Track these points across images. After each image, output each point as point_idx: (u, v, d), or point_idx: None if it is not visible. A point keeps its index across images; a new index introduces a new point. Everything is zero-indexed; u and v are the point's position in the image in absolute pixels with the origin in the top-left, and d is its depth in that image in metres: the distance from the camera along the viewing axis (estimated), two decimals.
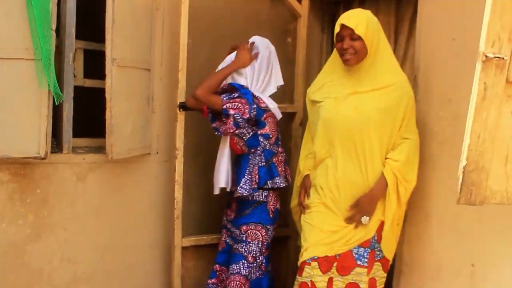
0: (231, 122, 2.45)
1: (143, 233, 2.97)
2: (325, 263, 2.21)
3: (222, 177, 2.61)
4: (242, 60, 2.56)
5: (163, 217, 2.99)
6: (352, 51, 2.15)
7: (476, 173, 1.80)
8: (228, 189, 2.65)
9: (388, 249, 2.30)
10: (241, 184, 2.53)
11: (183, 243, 2.85)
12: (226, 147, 2.61)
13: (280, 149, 2.62)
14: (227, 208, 2.74)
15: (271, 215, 2.58)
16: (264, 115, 2.53)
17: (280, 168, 2.60)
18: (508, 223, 2.12)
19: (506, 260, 2.12)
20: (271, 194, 2.58)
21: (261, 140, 2.54)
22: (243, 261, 2.55)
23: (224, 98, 2.47)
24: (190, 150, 2.86)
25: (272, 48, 2.65)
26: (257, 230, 2.56)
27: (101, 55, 2.58)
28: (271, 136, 2.55)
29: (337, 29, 2.19)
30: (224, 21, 2.96)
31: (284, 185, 2.59)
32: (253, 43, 2.62)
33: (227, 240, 2.70)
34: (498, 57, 1.73)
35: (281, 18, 3.07)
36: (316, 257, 2.23)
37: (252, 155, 2.56)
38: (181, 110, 2.75)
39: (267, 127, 2.54)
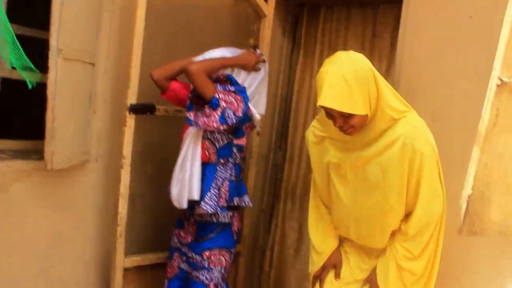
0: (217, 116, 2.09)
1: (77, 252, 2.57)
2: None
3: (195, 187, 2.20)
4: (247, 62, 2.26)
5: (101, 232, 2.61)
6: (351, 129, 1.74)
7: (480, 203, 1.72)
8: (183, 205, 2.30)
9: None
10: (206, 200, 2.19)
11: (125, 264, 2.50)
12: (198, 151, 2.23)
13: (243, 166, 2.36)
14: (179, 229, 2.40)
15: (235, 237, 2.33)
16: (247, 124, 2.25)
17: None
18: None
19: None
20: (235, 214, 2.32)
21: (235, 151, 2.26)
22: None
23: (219, 87, 2.15)
24: (135, 158, 2.49)
25: (267, 75, 2.37)
26: (221, 255, 2.29)
27: (36, 44, 2.16)
28: (244, 149, 2.29)
29: (318, 102, 1.68)
30: (181, 17, 2.65)
31: (251, 204, 2.34)
32: (261, 54, 2.35)
33: (181, 266, 2.39)
34: None
35: (244, 17, 2.82)
36: None
37: (221, 166, 2.24)
38: (131, 113, 2.40)
39: (244, 138, 2.26)
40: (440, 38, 2.23)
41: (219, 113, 2.10)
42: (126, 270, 2.51)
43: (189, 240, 2.35)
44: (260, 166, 3.09)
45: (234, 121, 2.12)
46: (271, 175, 3.23)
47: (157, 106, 2.49)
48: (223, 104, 2.10)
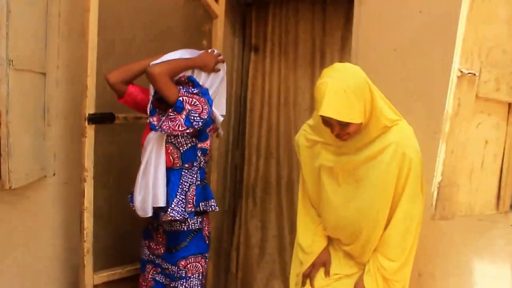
0: (182, 119, 2.05)
1: (41, 273, 2.46)
2: None
3: (161, 194, 2.15)
4: (207, 63, 2.22)
5: (65, 250, 2.51)
6: (347, 136, 1.83)
7: (449, 188, 1.82)
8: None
9: None
10: (172, 206, 2.15)
11: (95, 281, 2.42)
12: (162, 156, 2.17)
13: (207, 169, 2.35)
14: (149, 240, 2.35)
15: (207, 242, 2.32)
16: (210, 127, 2.23)
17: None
18: (452, 234, 2.23)
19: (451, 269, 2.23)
20: (204, 218, 2.30)
21: (199, 155, 2.23)
22: None
23: (182, 90, 2.09)
24: (95, 169, 2.41)
25: (225, 75, 2.35)
26: (197, 262, 2.27)
27: None
28: (208, 152, 2.28)
29: (319, 112, 1.77)
30: (134, 21, 2.59)
31: (217, 208, 2.32)
32: (220, 54, 2.32)
33: (157, 278, 2.34)
34: (471, 73, 1.77)
35: (195, 18, 2.80)
36: None
37: (186, 171, 2.20)
38: (90, 123, 2.32)
39: (208, 141, 2.24)
40: (394, 33, 2.35)
41: (184, 116, 2.05)
42: (95, 286, 2.43)
43: (162, 251, 2.30)
44: (219, 166, 3.09)
45: (200, 124, 2.09)
46: (231, 175, 3.24)
47: (116, 115, 2.43)
48: (188, 107, 2.06)
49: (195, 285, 2.26)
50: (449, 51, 2.16)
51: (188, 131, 2.08)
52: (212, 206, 2.27)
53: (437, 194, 1.80)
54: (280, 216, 3.14)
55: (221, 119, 2.29)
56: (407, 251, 1.89)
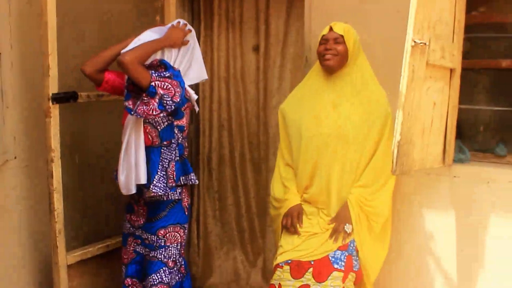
0: (156, 103, 2.13)
1: (11, 259, 2.45)
2: (296, 268, 2.19)
3: (142, 172, 2.25)
4: (175, 40, 2.28)
5: (34, 233, 2.50)
6: (335, 52, 2.21)
7: (406, 146, 2.09)
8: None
9: (367, 262, 2.25)
10: (154, 182, 2.27)
11: (68, 261, 2.46)
12: (141, 136, 2.26)
13: (186, 144, 2.46)
14: (130, 214, 2.45)
15: (186, 213, 2.44)
16: (185, 105, 2.33)
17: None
18: (405, 188, 2.53)
19: None
20: (184, 190, 2.42)
21: (176, 132, 2.33)
22: (163, 268, 2.36)
23: (154, 74, 2.16)
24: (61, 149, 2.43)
25: (196, 41, 2.42)
26: (176, 232, 2.38)
27: None
28: (185, 129, 2.38)
29: (324, 32, 2.25)
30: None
31: (197, 182, 2.45)
32: (190, 30, 2.37)
33: (137, 249, 2.43)
34: (422, 43, 2.02)
35: None
36: (289, 261, 2.22)
37: (165, 148, 2.31)
38: (54, 102, 2.32)
39: (184, 119, 2.34)
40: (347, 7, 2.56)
41: (157, 100, 2.14)
42: (68, 267, 2.47)
43: (142, 222, 2.41)
44: None
45: (173, 107, 2.19)
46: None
47: (79, 93, 2.44)
48: (160, 91, 2.14)
49: (173, 254, 2.38)
50: (395, 21, 2.45)
51: (161, 115, 2.19)
52: (192, 180, 2.40)
53: (397, 151, 2.06)
54: (235, 185, 3.30)
55: (195, 97, 2.39)
56: (380, 181, 2.23)
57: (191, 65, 2.39)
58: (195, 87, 3.32)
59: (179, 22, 2.39)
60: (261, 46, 3.10)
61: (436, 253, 2.50)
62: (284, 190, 2.35)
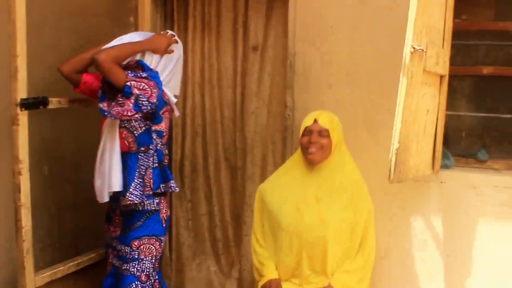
0: (131, 104, 2.02)
1: None
2: None
3: (116, 179, 2.13)
4: (158, 45, 2.20)
5: None
6: (319, 146, 2.18)
7: (404, 153, 2.05)
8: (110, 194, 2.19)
9: None
10: (130, 190, 2.14)
11: (36, 283, 2.22)
12: (116, 141, 2.14)
13: (166, 151, 2.31)
14: (108, 224, 2.29)
15: (164, 225, 2.29)
16: (164, 109, 2.20)
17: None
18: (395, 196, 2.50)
19: None
20: (162, 201, 2.28)
21: (154, 137, 2.20)
22: (136, 282, 2.20)
23: (130, 75, 2.05)
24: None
25: (181, 53, 2.34)
26: (151, 244, 2.23)
27: None
28: (164, 134, 2.25)
29: (308, 123, 2.21)
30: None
31: (178, 189, 2.31)
32: (175, 39, 2.29)
33: (113, 261, 2.27)
34: (420, 49, 1.98)
35: None
36: None
37: (142, 154, 2.18)
38: (23, 109, 2.10)
39: (162, 124, 2.21)
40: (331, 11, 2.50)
41: (132, 101, 2.04)
42: None
43: (118, 233, 2.26)
44: None
45: (149, 108, 2.08)
46: None
47: (49, 99, 2.22)
48: (136, 91, 2.04)
49: (147, 268, 2.23)
50: (385, 28, 2.43)
51: (137, 115, 2.08)
52: (172, 187, 2.27)
53: (395, 159, 2.02)
54: (209, 194, 3.16)
55: (174, 100, 2.28)
56: (367, 267, 2.19)
57: (172, 77, 2.30)
58: None
59: (166, 32, 2.31)
60: (238, 50, 2.99)
61: (425, 257, 2.50)
62: (261, 267, 2.29)
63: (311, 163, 2.22)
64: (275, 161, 2.95)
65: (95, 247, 2.51)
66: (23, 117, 2.11)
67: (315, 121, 2.19)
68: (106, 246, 2.34)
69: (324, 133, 2.18)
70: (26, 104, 2.11)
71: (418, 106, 2.09)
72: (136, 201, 2.13)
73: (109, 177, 2.13)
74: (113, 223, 2.29)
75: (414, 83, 2.03)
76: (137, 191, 2.14)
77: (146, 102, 2.05)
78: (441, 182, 2.44)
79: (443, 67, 2.26)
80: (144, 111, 2.06)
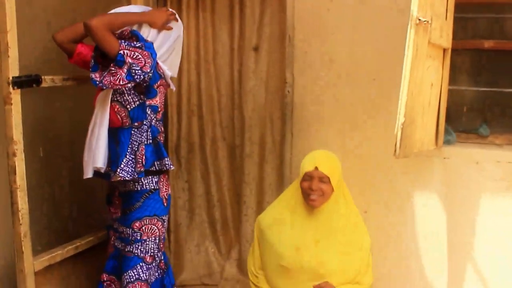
0: (124, 73, 1.95)
1: None
2: None
3: (101, 155, 2.07)
4: (155, 19, 2.10)
5: None
6: (320, 193, 2.18)
7: (410, 127, 2.02)
8: (102, 171, 2.12)
9: None
10: (121, 166, 2.06)
11: (35, 267, 2.16)
12: (106, 115, 2.06)
13: (162, 128, 2.24)
14: (109, 205, 2.24)
15: (165, 204, 2.22)
16: (158, 83, 2.11)
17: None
18: (396, 171, 2.47)
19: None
20: (162, 179, 2.21)
21: (149, 112, 2.11)
22: (140, 263, 2.15)
23: (123, 43, 1.96)
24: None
25: (182, 33, 2.23)
26: (153, 224, 2.17)
27: None
28: (159, 109, 2.16)
29: (308, 168, 2.19)
30: None
31: (173, 167, 2.25)
32: (174, 15, 2.17)
33: (116, 243, 2.22)
34: (425, 21, 1.94)
35: None
36: None
37: (135, 130, 2.10)
38: (15, 87, 2.01)
39: (157, 98, 2.13)
40: None
41: (125, 70, 1.96)
42: (36, 274, 2.18)
43: (119, 214, 2.19)
44: None
45: (142, 77, 2.00)
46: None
47: (43, 77, 2.14)
48: (129, 60, 1.96)
49: (151, 249, 2.17)
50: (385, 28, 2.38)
51: (129, 85, 2.00)
52: (167, 165, 2.17)
53: (401, 134, 1.98)
54: (205, 174, 3.11)
55: (169, 73, 2.19)
56: None
57: (169, 56, 2.21)
58: None
59: (167, 8, 2.22)
60: (235, 27, 2.91)
61: (427, 233, 2.49)
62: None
63: (312, 207, 2.23)
64: (274, 138, 2.92)
65: (93, 230, 2.46)
66: (16, 96, 2.02)
67: (316, 168, 2.18)
68: (107, 228, 2.29)
69: (325, 179, 2.18)
70: (18, 83, 2.01)
71: (423, 79, 2.05)
72: (126, 178, 2.05)
73: (95, 152, 2.07)
74: (113, 205, 2.22)
75: (420, 56, 1.98)
76: (128, 167, 2.07)
77: (140, 71, 1.97)
78: (444, 158, 2.41)
79: (447, 40, 2.22)
80: (137, 80, 1.99)
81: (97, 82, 1.96)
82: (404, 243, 2.53)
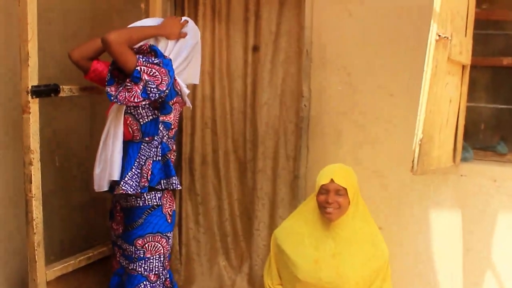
0: (139, 90, 1.94)
1: None
2: None
3: (116, 168, 2.05)
4: (170, 30, 2.10)
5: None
6: (337, 206, 2.17)
7: (428, 144, 2.01)
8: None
9: None
10: (126, 179, 2.04)
11: (47, 277, 2.16)
12: (120, 128, 2.06)
13: (174, 146, 2.22)
14: (111, 221, 2.21)
15: (169, 220, 2.18)
16: (174, 100, 2.10)
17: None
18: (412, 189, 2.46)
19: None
20: (165, 195, 2.17)
21: (161, 129, 2.09)
22: (144, 282, 2.12)
23: (141, 59, 1.96)
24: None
25: (200, 41, 2.24)
26: (156, 242, 2.13)
27: None
28: (172, 126, 2.15)
29: (324, 181, 2.18)
30: None
31: (180, 187, 2.23)
32: (186, 21, 2.18)
33: (120, 260, 2.19)
34: (445, 37, 1.94)
35: None
36: None
37: (145, 144, 2.08)
38: (34, 96, 2.03)
39: (171, 115, 2.11)
40: None
41: (141, 87, 1.95)
42: (48, 284, 2.18)
43: (121, 230, 2.18)
44: None
45: (157, 96, 1.99)
46: None
47: (61, 86, 2.16)
48: (145, 77, 1.95)
49: (155, 267, 2.14)
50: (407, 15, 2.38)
51: (144, 102, 1.99)
52: (173, 184, 2.13)
53: (419, 150, 1.97)
54: (218, 187, 3.11)
55: (187, 91, 2.19)
56: None
57: (188, 64, 2.20)
58: None
59: (175, 16, 2.23)
60: (249, 39, 2.93)
61: (444, 251, 2.46)
62: None
63: (328, 220, 2.22)
64: (287, 153, 2.91)
65: (106, 241, 2.46)
66: (34, 105, 2.05)
67: (332, 180, 2.17)
68: (112, 244, 2.26)
69: (341, 192, 2.17)
70: (37, 92, 2.04)
71: (442, 95, 2.05)
72: (129, 191, 2.03)
73: (110, 164, 2.05)
74: (115, 220, 2.20)
75: (439, 72, 1.98)
76: (132, 181, 2.05)
77: (155, 90, 1.96)
78: (461, 175, 2.40)
79: (466, 56, 2.21)
80: (152, 98, 1.97)
81: (112, 97, 1.96)
82: (420, 260, 2.50)
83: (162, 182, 2.11)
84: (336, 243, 2.19)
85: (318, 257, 2.19)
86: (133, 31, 2.04)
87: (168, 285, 2.24)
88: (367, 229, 2.22)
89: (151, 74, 1.95)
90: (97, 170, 2.10)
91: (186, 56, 2.17)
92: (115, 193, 2.05)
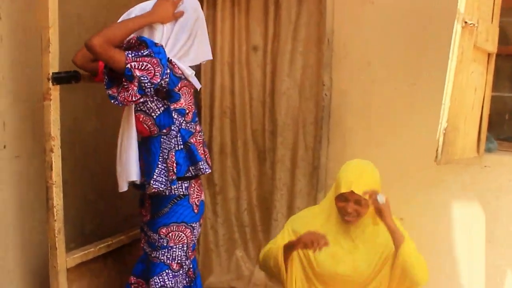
0: (135, 88, 1.88)
1: None
2: None
3: (133, 167, 2.03)
4: (162, 14, 1.99)
5: (21, 232, 2.20)
6: (356, 214, 2.12)
7: (452, 133, 1.98)
8: (137, 182, 2.10)
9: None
10: (154, 177, 2.02)
11: (68, 264, 2.17)
12: (132, 128, 2.02)
13: (198, 128, 2.17)
14: (141, 207, 2.21)
15: (195, 211, 2.16)
16: (179, 85, 2.03)
17: (200, 151, 2.16)
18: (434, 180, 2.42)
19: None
20: (193, 185, 2.14)
21: (176, 117, 2.05)
22: (166, 271, 2.11)
23: (129, 55, 1.89)
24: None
25: (201, 14, 2.14)
26: (180, 231, 2.12)
27: None
28: (187, 111, 2.09)
29: (344, 190, 2.09)
30: None
31: (209, 170, 2.19)
32: None
33: (144, 247, 2.20)
34: (472, 24, 1.89)
35: None
36: None
37: (165, 137, 2.04)
38: (54, 83, 2.04)
39: (182, 101, 2.05)
40: None
41: (136, 84, 1.89)
42: (68, 271, 2.19)
43: (148, 218, 2.16)
44: None
45: (152, 89, 1.93)
46: None
47: (81, 73, 2.16)
48: (137, 73, 1.88)
49: (178, 256, 2.12)
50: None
51: (142, 99, 1.94)
52: (202, 169, 2.11)
53: (443, 139, 1.94)
54: (237, 177, 3.10)
55: (189, 73, 2.08)
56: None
57: (193, 43, 2.08)
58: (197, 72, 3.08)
59: None
60: (269, 30, 2.90)
61: (467, 243, 2.43)
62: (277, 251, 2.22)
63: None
64: (306, 144, 2.89)
65: (125, 229, 2.47)
66: (55, 92, 2.05)
67: (352, 191, 2.07)
68: (140, 229, 2.26)
69: (361, 202, 2.09)
70: (58, 79, 2.04)
71: (467, 84, 2.01)
72: (161, 188, 2.01)
73: (127, 165, 2.04)
74: (144, 207, 2.19)
75: (465, 60, 1.94)
76: (161, 177, 2.02)
77: (149, 84, 1.90)
78: (485, 166, 2.35)
79: (493, 44, 2.16)
80: (149, 93, 1.92)
81: (113, 100, 1.92)
82: (441, 252, 2.47)
83: (190, 169, 2.09)
84: (352, 241, 2.17)
85: (335, 252, 2.16)
86: (116, 28, 1.93)
87: (191, 275, 2.23)
88: (380, 227, 2.14)
89: (142, 68, 1.88)
90: (118, 170, 2.09)
91: (188, 35, 2.06)
92: (148, 192, 2.04)
